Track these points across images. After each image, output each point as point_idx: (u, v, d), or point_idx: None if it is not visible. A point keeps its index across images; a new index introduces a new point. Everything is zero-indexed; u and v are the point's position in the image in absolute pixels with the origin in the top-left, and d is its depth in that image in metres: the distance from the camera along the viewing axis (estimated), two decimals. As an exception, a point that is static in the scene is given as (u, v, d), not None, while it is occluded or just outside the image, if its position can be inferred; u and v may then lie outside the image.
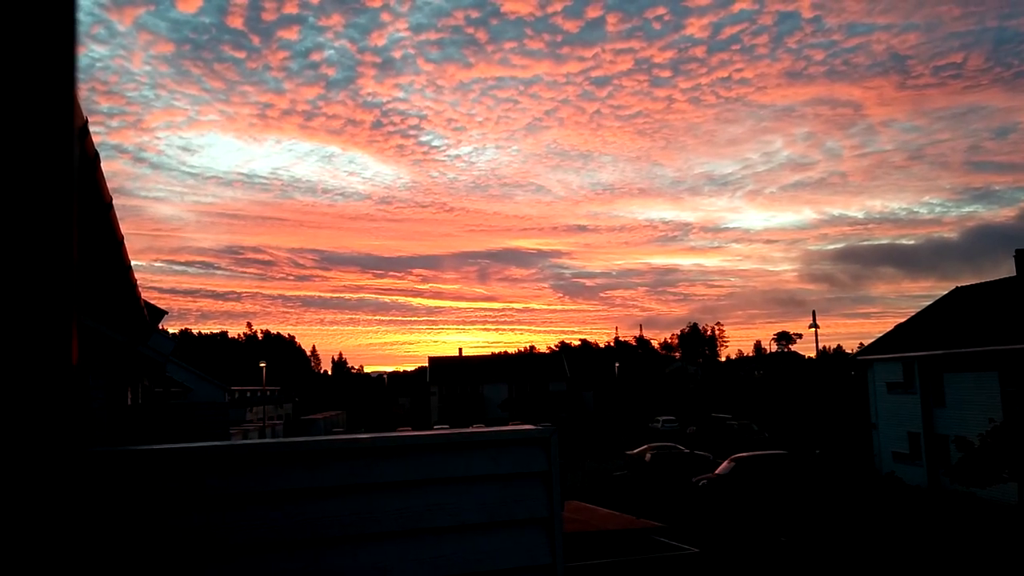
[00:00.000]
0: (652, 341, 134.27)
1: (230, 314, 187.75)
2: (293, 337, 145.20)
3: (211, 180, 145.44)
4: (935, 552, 18.52)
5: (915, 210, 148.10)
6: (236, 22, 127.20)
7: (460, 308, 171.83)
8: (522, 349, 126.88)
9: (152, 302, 11.60)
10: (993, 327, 28.59)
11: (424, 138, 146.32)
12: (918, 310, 37.48)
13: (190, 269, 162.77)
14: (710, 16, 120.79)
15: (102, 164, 3.97)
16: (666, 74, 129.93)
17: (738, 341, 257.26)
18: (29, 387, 1.14)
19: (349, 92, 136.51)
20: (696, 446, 42.88)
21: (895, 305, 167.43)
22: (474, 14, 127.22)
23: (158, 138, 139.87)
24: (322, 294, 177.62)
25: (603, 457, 44.88)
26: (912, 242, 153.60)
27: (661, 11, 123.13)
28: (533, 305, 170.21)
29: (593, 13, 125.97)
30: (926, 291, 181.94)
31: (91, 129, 3.62)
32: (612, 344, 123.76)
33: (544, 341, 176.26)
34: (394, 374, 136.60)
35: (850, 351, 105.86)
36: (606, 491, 29.56)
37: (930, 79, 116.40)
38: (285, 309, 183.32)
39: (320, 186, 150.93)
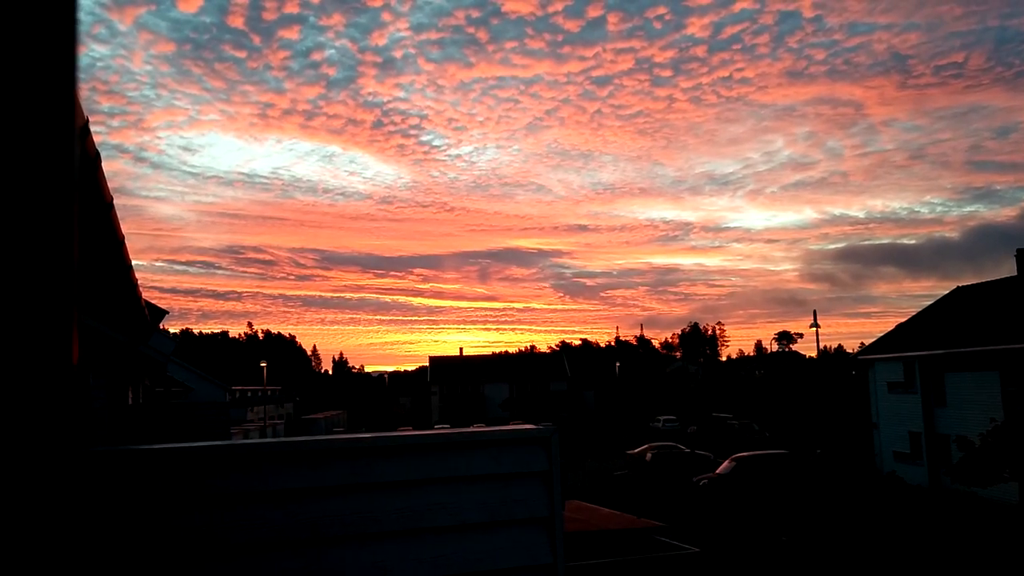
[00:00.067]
0: (653, 341, 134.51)
1: (231, 314, 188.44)
2: (294, 337, 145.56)
3: (212, 180, 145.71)
4: (936, 552, 18.52)
5: (916, 210, 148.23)
6: (237, 22, 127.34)
7: (461, 308, 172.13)
8: (523, 349, 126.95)
9: (153, 302, 11.61)
10: (994, 327, 28.58)
11: (425, 138, 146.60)
12: (919, 310, 37.49)
13: (191, 269, 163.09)
14: (711, 15, 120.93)
15: (103, 164, 3.97)
16: (667, 73, 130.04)
17: (739, 341, 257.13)
18: (30, 387, 1.14)
19: (350, 92, 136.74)
20: (697, 446, 42.88)
21: (896, 305, 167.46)
22: (475, 14, 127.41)
23: (159, 138, 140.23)
24: (323, 294, 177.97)
25: (604, 457, 44.86)
26: (913, 242, 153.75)
27: (662, 10, 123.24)
28: (534, 305, 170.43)
29: (594, 12, 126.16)
30: (927, 291, 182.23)
31: (92, 129, 3.62)
32: (613, 344, 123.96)
33: (545, 341, 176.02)
34: (395, 374, 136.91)
35: (851, 351, 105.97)
36: (607, 491, 29.56)
37: (931, 79, 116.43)
38: (286, 309, 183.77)
39: (321, 186, 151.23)
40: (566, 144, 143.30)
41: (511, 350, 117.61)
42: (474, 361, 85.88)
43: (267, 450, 2.39)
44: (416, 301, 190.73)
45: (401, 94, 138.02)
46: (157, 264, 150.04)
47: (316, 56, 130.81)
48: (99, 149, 3.84)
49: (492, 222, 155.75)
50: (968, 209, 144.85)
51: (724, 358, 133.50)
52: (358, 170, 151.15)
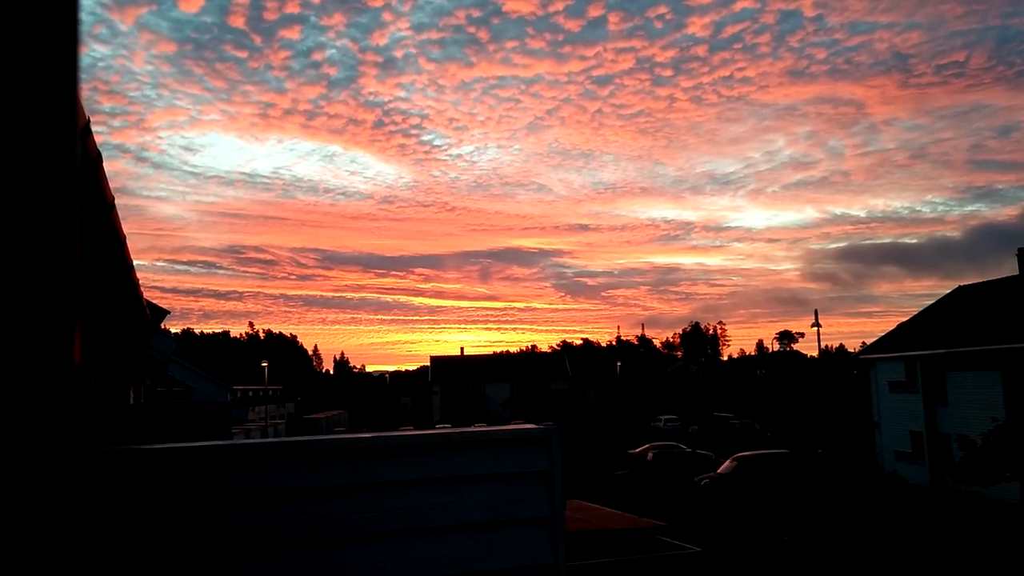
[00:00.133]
0: (654, 340, 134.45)
1: (232, 314, 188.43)
2: (295, 336, 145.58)
3: (213, 180, 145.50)
4: (938, 551, 18.51)
5: (917, 209, 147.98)
6: (238, 22, 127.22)
7: (462, 307, 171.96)
8: (524, 348, 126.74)
9: (154, 302, 11.60)
10: (996, 326, 28.55)
11: (426, 137, 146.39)
12: (920, 309, 37.45)
13: (192, 269, 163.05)
14: (712, 15, 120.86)
15: (104, 164, 3.98)
16: (668, 73, 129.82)
17: (740, 340, 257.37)
18: (32, 387, 1.14)
19: (351, 91, 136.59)
20: (698, 445, 42.87)
21: (897, 304, 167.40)
22: (475, 13, 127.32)
23: (160, 138, 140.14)
24: (324, 293, 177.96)
25: (605, 456, 44.84)
26: (914, 241, 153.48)
27: (663, 10, 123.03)
28: (535, 304, 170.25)
29: (594, 12, 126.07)
30: (928, 290, 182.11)
31: (93, 129, 3.63)
32: (614, 343, 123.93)
33: (546, 340, 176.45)
34: (396, 373, 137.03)
35: (852, 350, 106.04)
36: (608, 490, 29.56)
37: (932, 78, 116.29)
38: (287, 308, 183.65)
39: (322, 185, 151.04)
40: (567, 144, 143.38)
41: (512, 350, 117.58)
42: (475, 361, 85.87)
43: (268, 450, 2.39)
44: (417, 301, 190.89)
45: (402, 94, 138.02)
46: (158, 264, 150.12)
47: (317, 56, 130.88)
48: (100, 149, 3.84)
49: (493, 222, 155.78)
50: (969, 208, 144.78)
51: (725, 358, 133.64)
52: (359, 170, 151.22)
